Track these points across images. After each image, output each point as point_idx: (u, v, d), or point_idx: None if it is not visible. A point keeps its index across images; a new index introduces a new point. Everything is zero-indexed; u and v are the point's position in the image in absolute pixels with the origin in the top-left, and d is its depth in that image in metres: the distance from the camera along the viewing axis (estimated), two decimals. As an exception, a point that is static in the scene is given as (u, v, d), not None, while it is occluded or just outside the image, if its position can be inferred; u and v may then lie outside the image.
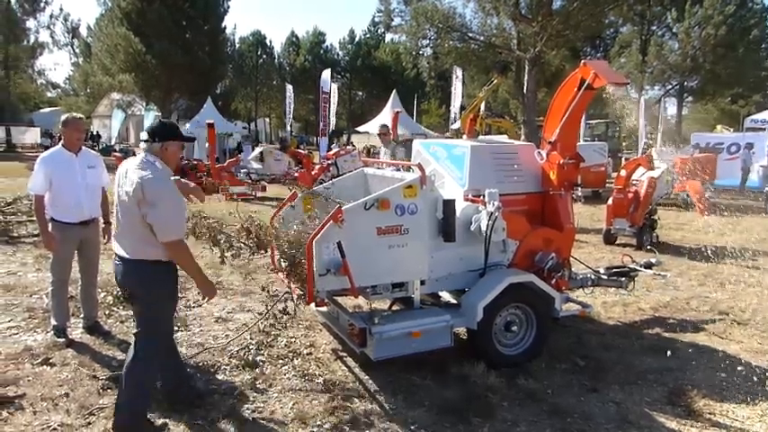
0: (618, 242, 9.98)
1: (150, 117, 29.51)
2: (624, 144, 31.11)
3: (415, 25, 21.98)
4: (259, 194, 16.17)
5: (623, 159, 22.61)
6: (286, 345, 4.92)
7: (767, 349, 5.14)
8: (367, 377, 4.34)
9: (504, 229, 4.51)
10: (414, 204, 4.25)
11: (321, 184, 15.58)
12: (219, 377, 4.30)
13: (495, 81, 27.23)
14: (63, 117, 4.93)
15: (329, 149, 24.58)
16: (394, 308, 5.21)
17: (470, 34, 22.67)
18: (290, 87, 29.75)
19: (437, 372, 4.38)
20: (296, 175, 16.40)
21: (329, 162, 15.39)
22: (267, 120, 58.26)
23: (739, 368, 4.65)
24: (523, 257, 4.93)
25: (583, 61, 4.89)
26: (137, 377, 3.41)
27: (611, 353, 4.95)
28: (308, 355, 4.75)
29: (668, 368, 4.65)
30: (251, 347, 4.80)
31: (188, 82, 31.51)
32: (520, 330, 4.67)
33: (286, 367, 4.49)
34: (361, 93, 59.45)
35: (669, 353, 4.94)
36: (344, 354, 4.76)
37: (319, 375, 4.36)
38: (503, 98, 38.78)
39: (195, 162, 19.30)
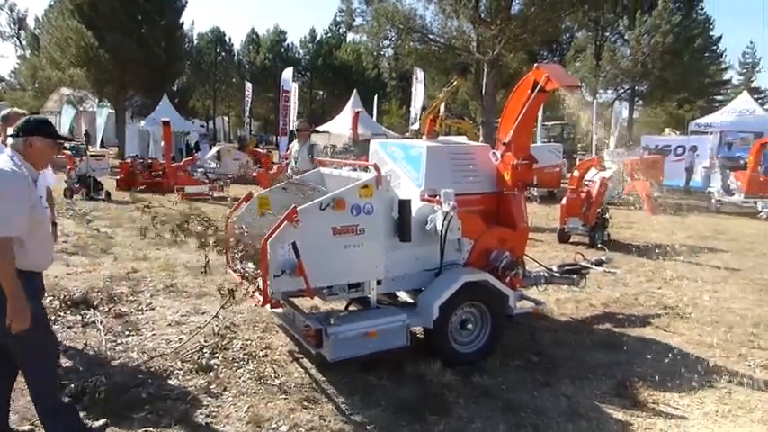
0: (571, 240, 10.22)
1: (103, 114, 28.74)
2: (579, 145, 31.89)
3: (377, 26, 22.03)
4: (216, 194, 15.92)
5: (578, 160, 23.15)
6: (241, 347, 4.86)
7: (707, 341, 5.36)
8: (323, 378, 4.33)
9: (460, 228, 4.56)
10: (369, 204, 4.27)
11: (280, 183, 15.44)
12: (172, 382, 4.21)
13: (455, 83, 27.50)
14: (3, 112, 4.71)
15: (288, 149, 24.37)
16: (351, 308, 5.21)
17: (431, 36, 22.85)
18: (248, 85, 29.41)
19: (394, 371, 4.40)
20: (254, 174, 16.24)
21: (288, 162, 15.26)
22: (226, 118, 57.47)
23: (682, 359, 4.83)
24: (478, 256, 5.00)
25: (536, 64, 4.99)
26: (34, 377, 3.20)
27: (563, 349, 5.07)
28: (263, 357, 4.70)
29: (617, 362, 4.79)
30: (205, 351, 4.72)
31: (143, 78, 30.70)
32: (475, 328, 4.74)
33: (241, 370, 4.43)
34: (321, 92, 59.23)
35: (618, 347, 5.10)
36: (301, 355, 4.74)
37: (275, 377, 4.33)
38: (462, 100, 39.26)
39: (150, 161, 18.89)
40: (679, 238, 11.12)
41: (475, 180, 5.18)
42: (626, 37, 32.78)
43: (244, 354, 4.73)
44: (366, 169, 5.13)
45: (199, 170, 17.08)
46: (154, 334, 5.16)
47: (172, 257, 8.19)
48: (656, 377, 4.48)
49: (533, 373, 4.56)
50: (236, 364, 4.52)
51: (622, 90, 35.84)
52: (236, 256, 5.03)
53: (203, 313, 5.75)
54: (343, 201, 4.16)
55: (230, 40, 57.14)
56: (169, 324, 5.43)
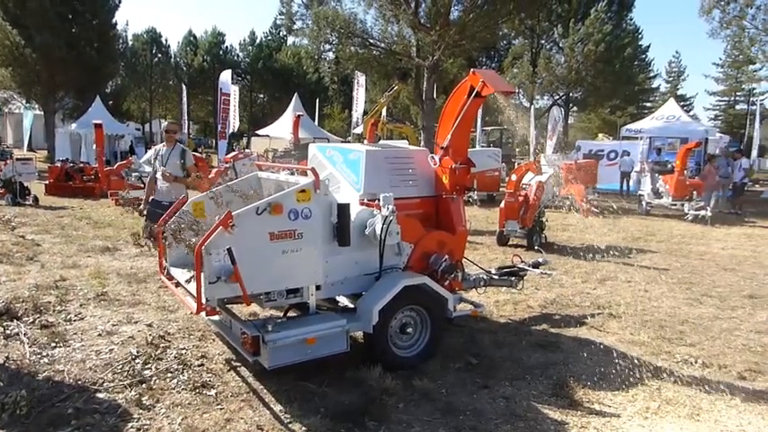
0: (510, 243, 10.43)
1: (29, 116, 27.38)
2: (517, 150, 32.70)
3: (317, 29, 21.92)
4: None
5: (516, 164, 23.72)
6: (176, 357, 4.69)
7: (638, 339, 5.55)
8: (261, 386, 4.23)
9: (399, 232, 4.57)
10: (308, 209, 4.22)
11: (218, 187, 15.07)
12: (101, 396, 4.01)
13: (396, 87, 27.63)
14: None
15: (228, 152, 23.91)
16: (290, 314, 5.12)
17: (371, 41, 22.91)
18: (184, 88, 28.61)
19: (334, 377, 4.35)
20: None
21: (227, 165, 14.93)
22: (163, 121, 55.74)
23: (614, 358, 4.99)
24: (418, 260, 5.01)
25: (472, 70, 5.05)
26: None
27: (502, 350, 5.15)
28: (199, 366, 4.56)
29: (553, 362, 4.90)
30: (137, 361, 4.54)
31: (74, 79, 29.46)
32: (415, 332, 4.75)
33: (175, 380, 4.27)
34: (262, 95, 58.37)
35: (555, 347, 5.23)
36: (238, 363, 4.62)
37: (211, 387, 4.20)
38: (404, 104, 39.61)
39: (81, 165, 18.14)
40: (612, 239, 11.54)
41: (414, 184, 5.19)
42: (560, 45, 33.97)
43: (178, 363, 4.57)
44: (305, 173, 5.07)
45: (134, 174, 16.50)
46: (82, 345, 4.91)
47: (104, 265, 7.86)
48: (591, 376, 4.61)
49: (473, 375, 4.60)
50: (169, 375, 4.36)
51: (558, 96, 37.09)
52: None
53: (136, 322, 5.53)
54: (280, 205, 4.09)
55: (167, 41, 55.42)
56: (99, 334, 5.18)
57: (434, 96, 22.80)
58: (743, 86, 57.15)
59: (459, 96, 5.11)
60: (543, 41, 36.27)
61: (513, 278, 6.09)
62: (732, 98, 59.81)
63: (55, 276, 7.01)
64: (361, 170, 4.93)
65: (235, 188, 5.29)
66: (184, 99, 27.90)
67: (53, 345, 4.89)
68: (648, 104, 50.27)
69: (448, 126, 5.20)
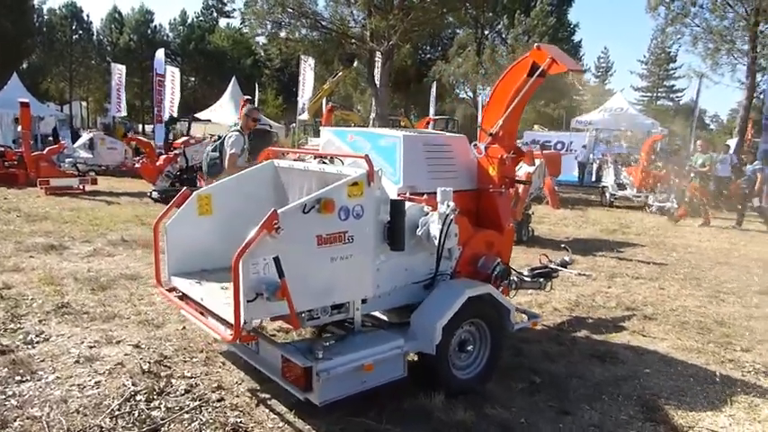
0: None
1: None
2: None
3: (265, 8, 20.67)
4: (88, 188, 13.89)
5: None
6: (186, 389, 3.77)
7: (690, 345, 5.10)
8: (308, 426, 3.40)
9: (458, 234, 3.87)
10: (359, 206, 3.43)
11: (168, 176, 13.83)
12: (104, 449, 3.09)
13: (341, 73, 26.73)
14: None
15: (167, 138, 22.34)
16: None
17: (323, 23, 21.90)
18: (121, 67, 26.47)
19: (391, 410, 3.58)
20: (138, 165, 14.42)
21: (177, 152, 13.67)
22: (84, 103, 52.14)
23: (682, 370, 4.53)
24: (466, 264, 4.33)
25: (536, 44, 4.39)
26: None
27: (557, 364, 4.54)
28: (219, 401, 3.66)
29: (622, 377, 4.33)
30: (138, 398, 3.60)
31: (-16, 54, 26.75)
32: (474, 349, 4.06)
33: (196, 423, 3.36)
34: (194, 79, 55.66)
35: (612, 358, 4.69)
36: (267, 395, 3.76)
37: (246, 431, 3.34)
38: (346, 91, 38.73)
39: (2, 148, 16.23)
40: (591, 232, 11.30)
41: (455, 176, 4.48)
42: (503, 36, 34.05)
43: (191, 399, 3.66)
44: (331, 160, 4.26)
45: (67, 160, 14.87)
46: (57, 377, 3.88)
47: (54, 267, 6.70)
48: (672, 393, 4.07)
49: (543, 397, 3.96)
50: (186, 416, 3.45)
51: (500, 87, 37.29)
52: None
53: (118, 342, 4.52)
54: (331, 202, 3.28)
55: (88, 17, 51.82)
56: (77, 361, 4.14)
57: (388, 84, 22.14)
58: (664, 83, 60.06)
59: (515, 76, 4.44)
60: (487, 32, 36.33)
61: (542, 279, 5.52)
62: (654, 94, 62.50)
63: (-3, 283, 5.84)
64: (399, 159, 4.16)
65: (247, 179, 4.41)
66: (117, 79, 25.74)
67: (18, 378, 3.84)
68: (576, 98, 51.56)
69: (499, 110, 4.52)
